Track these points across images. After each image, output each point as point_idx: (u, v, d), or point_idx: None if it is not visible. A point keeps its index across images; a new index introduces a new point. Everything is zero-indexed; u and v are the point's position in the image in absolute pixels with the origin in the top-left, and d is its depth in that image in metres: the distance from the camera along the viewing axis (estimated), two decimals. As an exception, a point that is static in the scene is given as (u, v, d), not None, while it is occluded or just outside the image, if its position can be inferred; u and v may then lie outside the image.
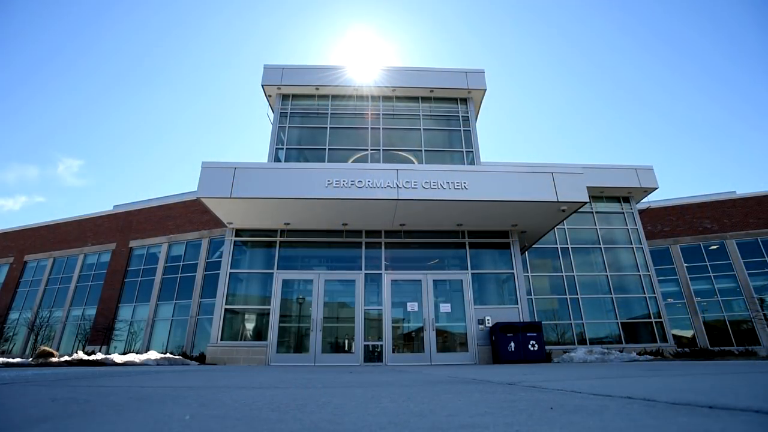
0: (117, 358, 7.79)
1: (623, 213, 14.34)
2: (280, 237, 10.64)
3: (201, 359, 9.83)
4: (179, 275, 16.17)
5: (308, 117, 13.04)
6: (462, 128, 12.92)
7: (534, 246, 12.85)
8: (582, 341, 12.41)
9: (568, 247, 13.82)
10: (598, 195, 14.16)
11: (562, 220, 10.34)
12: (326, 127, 12.76)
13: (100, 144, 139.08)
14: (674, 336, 13.42)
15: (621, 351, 10.00)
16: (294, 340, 9.90)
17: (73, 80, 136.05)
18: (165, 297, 16.02)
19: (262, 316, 9.94)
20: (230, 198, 8.85)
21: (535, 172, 9.50)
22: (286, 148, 12.46)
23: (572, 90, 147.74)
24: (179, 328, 15.21)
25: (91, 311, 17.02)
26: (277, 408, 1.04)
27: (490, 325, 9.69)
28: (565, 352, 9.94)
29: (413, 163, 12.18)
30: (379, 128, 12.80)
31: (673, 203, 17.00)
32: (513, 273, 10.38)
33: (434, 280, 10.26)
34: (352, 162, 12.17)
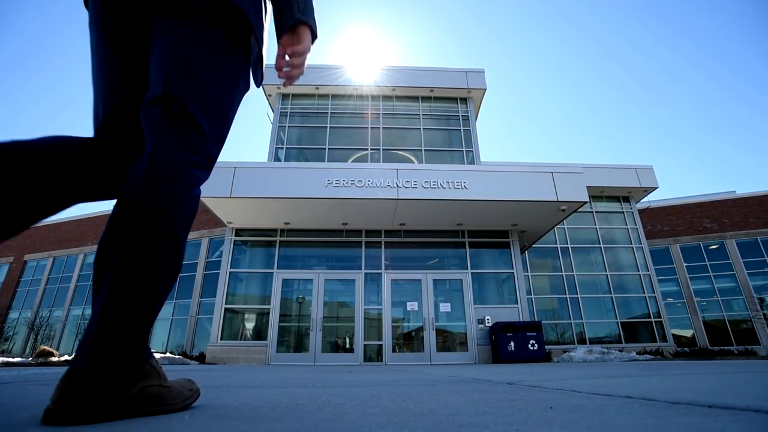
0: (117, 357, 7.77)
1: (623, 213, 14.34)
2: (280, 236, 10.63)
3: (201, 359, 9.84)
4: (179, 275, 16.16)
5: (308, 116, 13.03)
6: (462, 128, 12.91)
7: (534, 245, 12.85)
8: (582, 341, 12.41)
9: (568, 247, 13.82)
10: (598, 195, 14.15)
11: (562, 220, 10.34)
12: (326, 127, 12.76)
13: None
14: (674, 336, 13.42)
15: (621, 350, 10.00)
16: (294, 340, 9.90)
17: (74, 80, 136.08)
18: (165, 296, 16.01)
19: (262, 316, 9.94)
20: (230, 197, 8.85)
21: (535, 172, 9.50)
22: (286, 148, 12.46)
23: (572, 90, 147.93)
24: (179, 327, 15.21)
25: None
26: (276, 407, 1.04)
27: (489, 324, 9.69)
28: (564, 352, 9.94)
29: (413, 162, 12.17)
30: (379, 128, 12.79)
31: (673, 203, 16.99)
32: (513, 272, 10.38)
33: (434, 280, 10.26)
34: (352, 161, 12.17)
